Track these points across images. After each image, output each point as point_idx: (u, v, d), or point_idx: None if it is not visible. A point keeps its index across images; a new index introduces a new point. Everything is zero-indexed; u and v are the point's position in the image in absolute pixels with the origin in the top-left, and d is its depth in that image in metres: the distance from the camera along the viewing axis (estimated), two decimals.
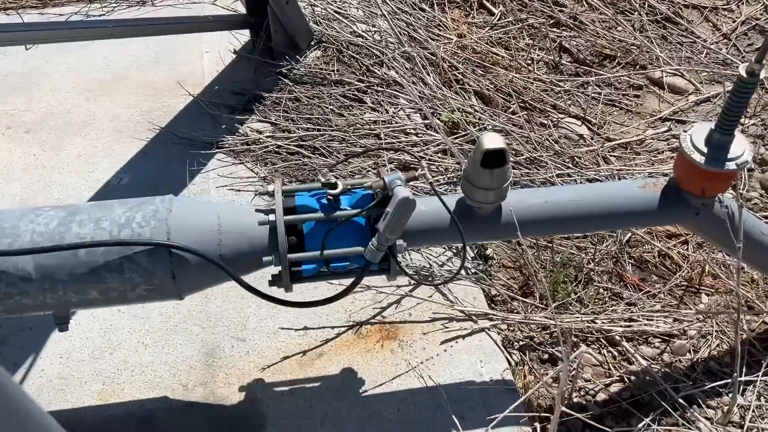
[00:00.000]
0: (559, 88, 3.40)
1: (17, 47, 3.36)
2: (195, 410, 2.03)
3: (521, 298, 2.42)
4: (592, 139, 3.16)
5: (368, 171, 2.77)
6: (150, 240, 1.53)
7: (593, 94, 3.41)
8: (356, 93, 3.13)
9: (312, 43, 3.38)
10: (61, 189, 2.71)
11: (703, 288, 2.52)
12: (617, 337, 2.34)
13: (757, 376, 2.08)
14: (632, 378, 2.24)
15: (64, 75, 3.27)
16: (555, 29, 3.74)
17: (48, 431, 1.18)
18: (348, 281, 1.69)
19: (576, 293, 2.42)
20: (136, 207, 1.60)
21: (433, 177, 2.75)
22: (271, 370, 2.13)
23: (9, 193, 2.69)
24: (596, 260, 2.55)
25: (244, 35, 3.41)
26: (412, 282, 2.37)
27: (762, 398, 2.14)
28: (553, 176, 2.77)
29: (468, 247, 2.38)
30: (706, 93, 3.42)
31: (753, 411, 2.08)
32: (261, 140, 2.90)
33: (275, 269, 1.66)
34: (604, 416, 2.15)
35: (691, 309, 2.43)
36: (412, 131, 2.98)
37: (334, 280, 1.83)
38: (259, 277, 1.75)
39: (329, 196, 1.64)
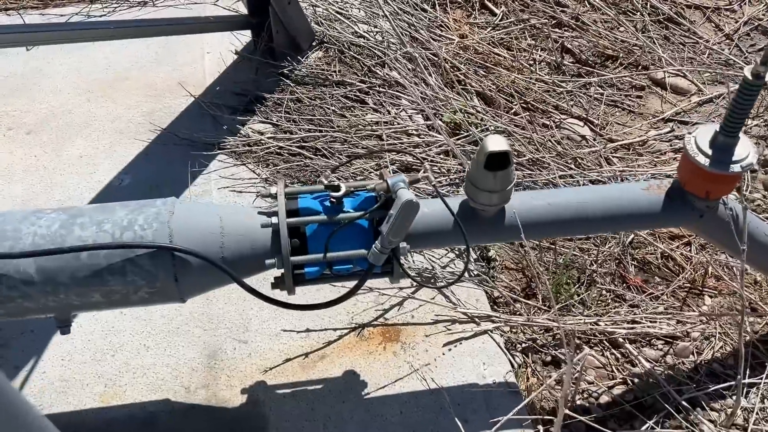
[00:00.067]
0: (561, 89, 3.39)
1: (18, 48, 3.36)
2: (197, 412, 2.03)
3: (524, 300, 2.41)
4: (594, 140, 3.15)
5: (370, 172, 2.76)
6: (152, 243, 1.52)
7: (595, 95, 3.40)
8: (358, 94, 3.12)
9: (313, 44, 3.38)
10: (62, 190, 2.71)
11: (706, 290, 2.52)
12: (620, 339, 2.33)
13: (761, 379, 2.07)
14: (635, 380, 2.23)
15: (65, 76, 3.27)
16: (557, 30, 3.73)
17: None
18: (351, 284, 1.69)
19: (579, 295, 2.41)
20: (138, 209, 1.59)
21: (435, 178, 2.74)
22: (274, 373, 2.13)
23: (10, 195, 2.69)
24: (599, 262, 2.54)
25: (245, 36, 3.40)
26: (415, 284, 2.36)
27: (766, 400, 2.13)
28: (555, 177, 2.77)
29: (471, 250, 2.38)
30: (708, 94, 3.41)
31: (756, 413, 2.07)
32: (262, 141, 2.89)
33: (278, 272, 1.66)
34: (607, 419, 2.14)
35: (694, 311, 2.43)
36: (414, 132, 2.98)
37: (336, 283, 1.82)
38: (261, 280, 1.75)
39: (332, 199, 1.63)
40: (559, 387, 2.22)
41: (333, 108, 3.04)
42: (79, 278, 1.51)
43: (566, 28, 3.75)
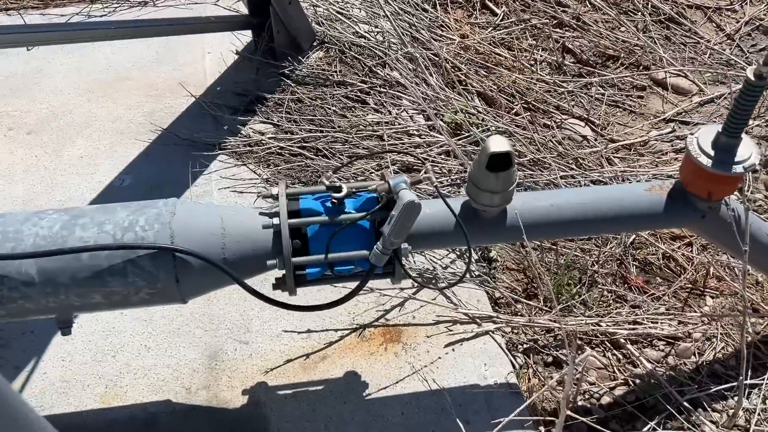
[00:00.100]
0: (562, 89, 3.39)
1: (19, 48, 3.35)
2: (198, 413, 2.03)
3: (525, 301, 2.41)
4: (595, 140, 3.15)
5: (371, 173, 2.76)
6: (154, 243, 1.52)
7: (596, 95, 3.40)
8: (359, 94, 3.12)
9: (314, 44, 3.37)
10: (63, 191, 2.70)
11: (707, 290, 2.51)
12: (622, 340, 2.33)
13: (763, 380, 2.07)
14: (637, 381, 2.23)
15: (65, 76, 3.26)
16: (558, 30, 3.73)
17: None
18: (352, 285, 1.68)
19: (580, 296, 2.41)
20: (139, 210, 1.59)
21: (436, 179, 2.74)
22: (275, 373, 2.12)
23: (11, 195, 2.68)
24: (600, 262, 2.53)
25: (246, 36, 3.40)
26: (416, 284, 2.36)
27: (767, 401, 2.13)
28: (556, 178, 2.76)
29: (473, 250, 2.37)
30: (709, 94, 3.41)
31: (758, 414, 2.07)
32: (263, 141, 2.89)
33: (279, 272, 1.65)
34: (608, 420, 2.14)
35: (695, 312, 2.42)
36: (415, 132, 2.97)
37: (337, 284, 1.82)
38: (262, 280, 1.75)
39: (334, 200, 1.63)
40: (561, 388, 2.22)
41: (334, 108, 3.03)
42: (80, 279, 1.51)
43: (567, 28, 3.75)
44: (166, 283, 1.55)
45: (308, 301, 1.81)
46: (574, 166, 2.89)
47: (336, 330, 2.24)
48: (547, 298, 2.40)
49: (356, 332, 2.24)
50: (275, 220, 1.61)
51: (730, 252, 2.25)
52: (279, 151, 2.86)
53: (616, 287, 2.48)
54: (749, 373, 2.11)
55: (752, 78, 1.56)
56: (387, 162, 2.78)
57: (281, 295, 1.68)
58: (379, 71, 3.22)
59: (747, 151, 1.68)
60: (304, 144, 2.87)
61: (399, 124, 2.99)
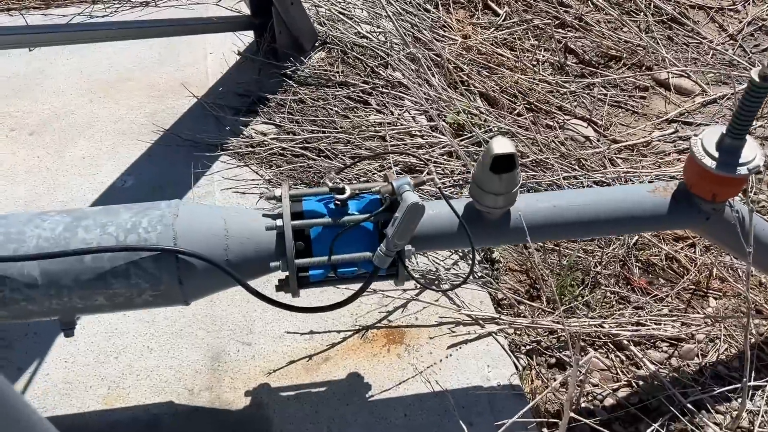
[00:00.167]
0: (564, 90, 3.38)
1: (21, 49, 3.35)
2: (200, 415, 2.02)
3: (528, 302, 2.40)
4: (598, 140, 3.14)
5: (374, 173, 2.76)
6: (157, 245, 1.52)
7: (599, 96, 3.39)
8: (361, 94, 3.12)
9: (316, 45, 3.37)
10: (65, 191, 2.70)
11: (711, 291, 2.51)
12: (625, 342, 2.32)
13: (767, 381, 2.06)
14: (640, 383, 2.23)
15: (67, 77, 3.26)
16: (560, 30, 3.72)
17: None
18: (355, 286, 1.68)
19: (583, 297, 2.41)
20: (142, 212, 1.58)
21: (439, 180, 2.73)
22: (277, 375, 2.12)
23: (13, 196, 2.68)
24: (603, 263, 2.53)
25: (248, 36, 3.40)
26: (419, 286, 2.36)
27: None
28: (559, 178, 2.76)
29: (476, 252, 2.37)
30: (712, 94, 3.40)
31: (762, 416, 2.06)
32: (265, 142, 2.88)
33: (282, 274, 1.65)
34: (612, 421, 2.14)
35: (699, 313, 2.42)
36: (418, 133, 2.97)
37: (341, 285, 1.82)
38: (265, 281, 1.74)
39: (337, 201, 1.63)
40: (564, 389, 2.22)
41: (336, 109, 3.03)
42: (83, 281, 1.50)
43: (569, 29, 3.74)
44: (170, 284, 1.55)
45: (311, 302, 1.81)
46: (576, 167, 2.88)
47: (339, 331, 2.24)
48: (550, 299, 2.40)
49: (359, 334, 2.24)
50: (278, 222, 1.61)
51: (733, 253, 2.24)
52: (281, 151, 2.85)
53: (619, 288, 2.48)
54: (753, 375, 2.10)
55: (757, 79, 1.55)
56: (390, 163, 2.78)
57: (284, 297, 1.68)
58: (381, 72, 3.22)
59: (751, 152, 1.67)
60: (307, 145, 2.87)
61: (401, 124, 2.99)
